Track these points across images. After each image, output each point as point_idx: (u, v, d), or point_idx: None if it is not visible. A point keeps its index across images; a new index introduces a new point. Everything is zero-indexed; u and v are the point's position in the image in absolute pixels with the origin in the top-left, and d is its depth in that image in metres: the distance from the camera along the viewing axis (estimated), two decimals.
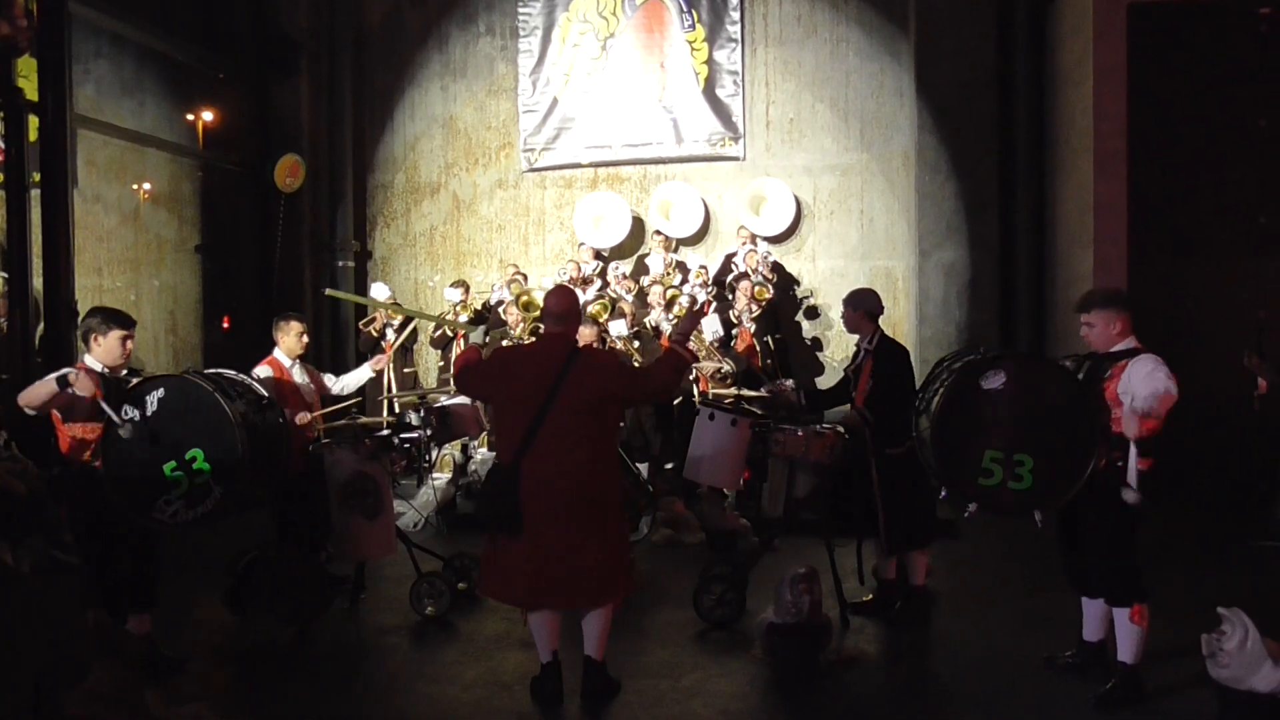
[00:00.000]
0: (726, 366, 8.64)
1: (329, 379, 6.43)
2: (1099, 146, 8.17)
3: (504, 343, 9.18)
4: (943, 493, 4.51)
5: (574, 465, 4.25)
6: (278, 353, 6.01)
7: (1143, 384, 4.12)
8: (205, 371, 4.82)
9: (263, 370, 5.86)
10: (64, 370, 4.49)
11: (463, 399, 6.30)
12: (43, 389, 4.44)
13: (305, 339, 6.12)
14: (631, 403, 4.54)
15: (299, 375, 6.08)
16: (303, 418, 5.94)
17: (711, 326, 8.77)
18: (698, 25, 11.12)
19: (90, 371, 4.52)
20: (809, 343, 10.94)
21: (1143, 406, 4.09)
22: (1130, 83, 8.10)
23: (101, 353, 4.69)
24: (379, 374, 6.25)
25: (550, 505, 4.23)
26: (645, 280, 10.22)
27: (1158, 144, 8.60)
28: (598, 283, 10.14)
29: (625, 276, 10.15)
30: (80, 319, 4.99)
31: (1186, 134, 8.89)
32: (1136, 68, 8.16)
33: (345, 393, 6.45)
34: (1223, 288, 8.96)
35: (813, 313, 10.97)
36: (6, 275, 8.03)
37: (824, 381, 10.36)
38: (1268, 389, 6.85)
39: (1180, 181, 8.88)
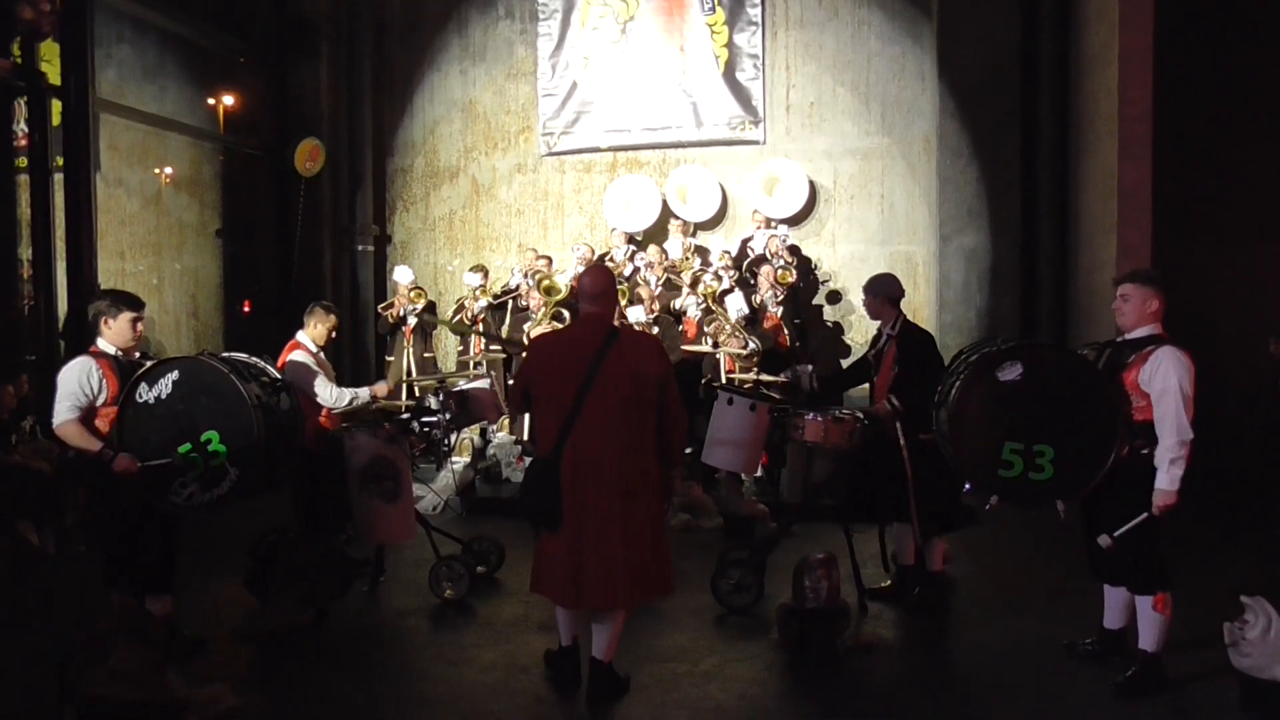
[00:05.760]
0: (752, 344, 8.61)
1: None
2: (1124, 130, 8.06)
3: (525, 326, 9.18)
4: (966, 486, 4.47)
5: (615, 452, 4.04)
6: (303, 337, 5.99)
7: (1169, 415, 4.10)
8: (218, 355, 4.79)
9: (300, 355, 5.87)
10: (111, 451, 4.50)
11: (481, 383, 6.31)
12: (83, 443, 4.52)
13: (334, 335, 6.12)
14: (664, 393, 4.16)
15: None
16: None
17: (736, 304, 8.72)
18: (718, 8, 11.05)
19: (130, 457, 4.49)
20: (831, 326, 10.89)
21: (1170, 456, 4.12)
22: (1156, 66, 7.98)
23: (113, 335, 4.70)
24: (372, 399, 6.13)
25: (590, 496, 4.04)
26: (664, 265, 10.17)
27: (1184, 128, 8.49)
28: (627, 267, 10.10)
29: (657, 263, 9.92)
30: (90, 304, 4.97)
31: (1213, 118, 8.78)
32: (1163, 51, 8.04)
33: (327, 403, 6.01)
34: (1249, 274, 8.87)
35: (834, 297, 10.92)
36: (31, 258, 8.08)
37: (848, 365, 10.31)
38: None
39: (1206, 166, 8.78)
